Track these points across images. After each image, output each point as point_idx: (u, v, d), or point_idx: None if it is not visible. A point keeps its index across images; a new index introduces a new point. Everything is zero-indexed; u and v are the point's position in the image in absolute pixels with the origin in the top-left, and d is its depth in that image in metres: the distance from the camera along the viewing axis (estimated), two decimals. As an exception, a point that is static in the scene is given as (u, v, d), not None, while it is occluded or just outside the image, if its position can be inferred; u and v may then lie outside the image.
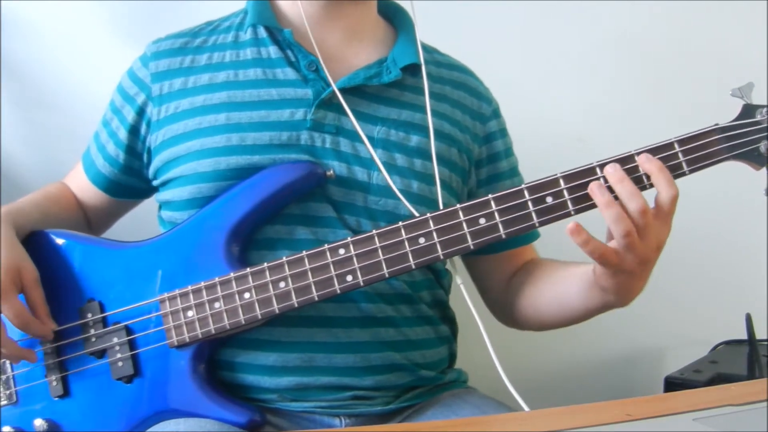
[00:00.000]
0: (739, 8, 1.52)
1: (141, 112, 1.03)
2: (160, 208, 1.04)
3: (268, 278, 0.90)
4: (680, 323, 1.55)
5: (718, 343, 1.43)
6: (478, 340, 0.92)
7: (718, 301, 1.53)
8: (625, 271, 0.85)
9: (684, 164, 0.84)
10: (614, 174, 0.83)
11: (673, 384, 1.24)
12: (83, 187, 1.12)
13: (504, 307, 1.08)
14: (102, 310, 0.96)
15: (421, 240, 0.87)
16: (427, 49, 1.08)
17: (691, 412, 0.71)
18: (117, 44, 1.40)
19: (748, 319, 1.26)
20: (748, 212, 1.50)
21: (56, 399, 0.97)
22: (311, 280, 0.88)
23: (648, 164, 0.83)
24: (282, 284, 0.89)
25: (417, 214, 0.90)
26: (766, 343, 1.32)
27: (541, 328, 1.07)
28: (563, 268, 1.01)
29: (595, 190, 0.83)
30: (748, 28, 1.53)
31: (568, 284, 0.98)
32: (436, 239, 0.87)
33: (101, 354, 0.95)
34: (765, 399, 0.73)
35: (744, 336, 1.28)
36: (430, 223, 0.87)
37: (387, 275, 0.87)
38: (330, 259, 0.88)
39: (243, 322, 0.90)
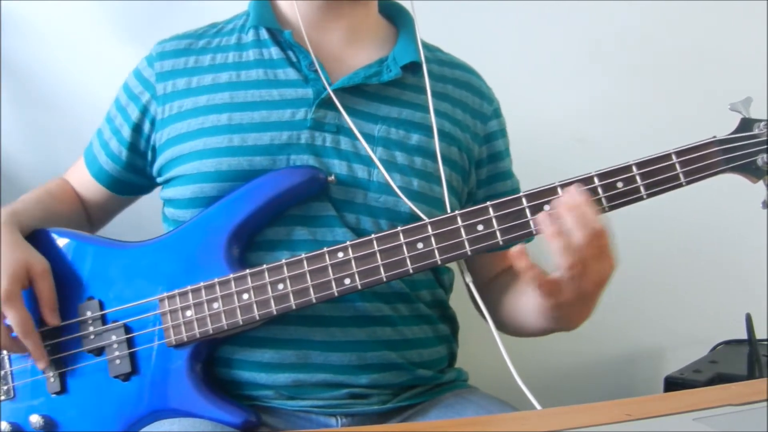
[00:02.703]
0: (739, 9, 1.52)
1: (145, 111, 1.04)
2: (164, 205, 1.05)
3: (267, 280, 0.90)
4: (680, 323, 1.55)
5: (718, 343, 1.43)
6: (478, 339, 0.92)
7: (718, 301, 1.53)
8: (564, 304, 0.85)
9: (681, 176, 0.84)
10: (565, 202, 0.82)
11: (673, 384, 1.24)
12: (85, 182, 1.12)
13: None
14: (101, 308, 0.96)
15: (420, 245, 0.87)
16: (429, 48, 1.09)
17: (691, 412, 0.71)
18: (117, 44, 1.41)
19: (748, 319, 1.26)
20: (748, 212, 1.49)
21: (53, 395, 0.97)
22: (309, 282, 0.89)
23: (561, 207, 0.82)
24: (280, 286, 0.89)
25: (417, 211, 0.91)
26: (766, 343, 1.32)
27: (506, 332, 1.06)
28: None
29: (541, 220, 0.83)
30: (748, 28, 1.53)
31: (526, 299, 0.96)
32: (434, 245, 0.87)
33: (99, 351, 0.95)
34: (765, 399, 0.73)
35: (744, 336, 1.28)
36: (429, 228, 0.87)
37: (385, 279, 0.88)
38: (329, 262, 0.88)
39: (241, 323, 0.90)
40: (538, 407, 0.85)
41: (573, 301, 0.85)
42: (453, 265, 1.04)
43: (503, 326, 1.05)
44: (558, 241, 0.81)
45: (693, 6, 1.51)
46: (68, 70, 1.44)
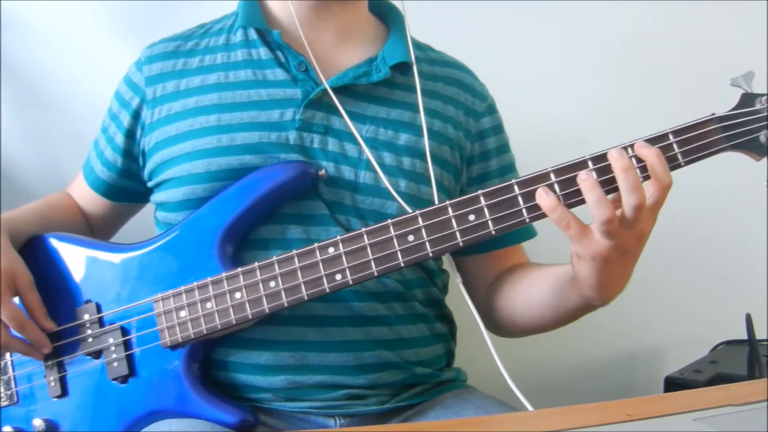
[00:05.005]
0: (739, 8, 1.52)
1: (136, 116, 1.04)
2: (156, 209, 1.05)
3: (259, 278, 0.89)
4: (680, 323, 1.55)
5: (718, 343, 1.42)
6: (477, 339, 0.92)
7: (718, 301, 1.53)
8: (601, 257, 0.82)
9: (679, 155, 0.81)
10: (620, 160, 0.80)
11: (673, 384, 1.24)
12: (84, 194, 1.12)
13: (485, 310, 1.06)
14: (99, 310, 0.96)
15: (410, 238, 0.86)
16: (420, 46, 1.09)
17: (691, 412, 0.71)
18: (117, 44, 1.41)
19: (748, 319, 1.26)
20: (749, 212, 1.50)
21: (54, 399, 0.97)
22: (301, 279, 0.88)
23: (645, 150, 0.80)
24: (272, 283, 0.89)
25: (410, 210, 0.89)
26: (766, 343, 1.32)
27: (516, 331, 1.05)
28: (542, 269, 1.00)
29: (582, 175, 0.81)
30: (748, 28, 1.53)
31: (544, 283, 0.96)
32: (425, 237, 0.86)
33: (98, 354, 0.96)
34: (765, 399, 0.72)
35: (744, 336, 1.28)
36: (419, 220, 0.86)
37: (376, 273, 0.87)
38: (319, 258, 0.88)
39: (234, 322, 0.90)
40: (530, 408, 0.85)
41: (609, 255, 0.82)
42: (447, 267, 1.03)
43: (503, 326, 1.05)
44: (593, 193, 0.79)
45: (693, 6, 1.51)
46: (68, 70, 1.44)
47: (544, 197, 0.82)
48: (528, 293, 1.00)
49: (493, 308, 1.05)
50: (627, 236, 0.81)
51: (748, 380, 1.21)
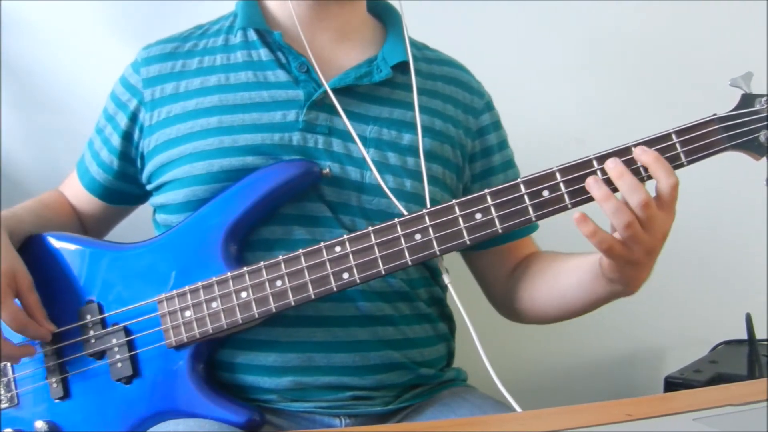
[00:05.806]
0: (739, 8, 1.52)
1: (134, 118, 1.04)
2: (154, 211, 1.05)
3: (265, 277, 0.89)
4: (680, 323, 1.55)
5: (718, 343, 1.43)
6: (478, 339, 0.92)
7: (718, 301, 1.53)
8: (632, 262, 0.85)
9: (682, 155, 0.83)
10: (614, 169, 0.82)
11: (673, 384, 1.24)
12: (78, 194, 1.12)
13: (505, 301, 1.08)
14: (101, 311, 0.96)
15: (417, 236, 0.87)
16: (417, 45, 1.09)
17: (691, 412, 0.71)
18: (117, 44, 1.40)
19: (748, 319, 1.26)
20: (749, 212, 1.50)
21: (57, 401, 0.97)
22: (308, 278, 0.88)
23: (644, 156, 0.82)
24: (279, 283, 0.89)
25: (406, 213, 0.90)
26: (766, 343, 1.32)
27: (541, 321, 1.06)
28: (565, 260, 1.01)
29: (591, 184, 0.83)
30: (748, 28, 1.53)
31: (570, 276, 0.97)
32: (432, 235, 0.87)
33: (101, 355, 0.95)
34: (765, 399, 0.72)
35: (744, 336, 1.28)
36: (426, 219, 0.87)
37: (383, 272, 0.87)
38: (326, 257, 0.88)
39: (240, 321, 0.90)
40: (518, 408, 0.85)
41: (639, 259, 0.85)
42: (440, 266, 1.04)
43: (527, 315, 1.06)
44: (609, 203, 0.81)
45: (692, 6, 1.51)
46: (68, 71, 1.43)
47: (592, 235, 0.82)
48: (551, 287, 1.01)
49: (515, 300, 1.06)
50: (649, 239, 0.83)
51: (748, 380, 1.21)
